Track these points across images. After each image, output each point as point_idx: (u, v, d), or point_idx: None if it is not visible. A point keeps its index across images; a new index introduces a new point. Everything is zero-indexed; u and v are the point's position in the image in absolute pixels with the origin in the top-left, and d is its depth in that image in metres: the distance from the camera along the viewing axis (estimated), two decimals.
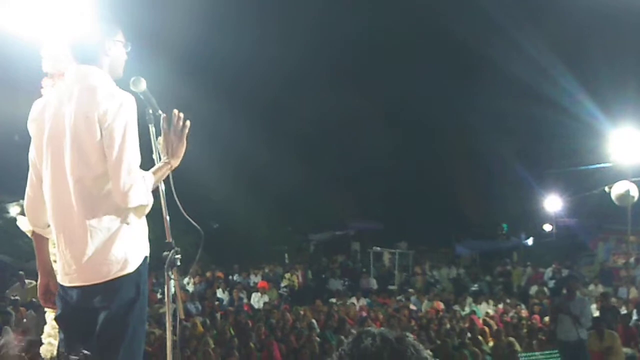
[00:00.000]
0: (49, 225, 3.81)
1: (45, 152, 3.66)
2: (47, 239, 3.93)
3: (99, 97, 3.54)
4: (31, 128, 3.77)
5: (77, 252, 3.59)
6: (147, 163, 3.79)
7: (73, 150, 3.54)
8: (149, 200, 3.64)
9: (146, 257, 3.75)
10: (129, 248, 3.62)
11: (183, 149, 3.89)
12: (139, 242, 3.71)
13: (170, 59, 22.09)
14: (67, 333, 3.79)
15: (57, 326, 4.03)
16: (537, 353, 11.79)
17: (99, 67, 3.72)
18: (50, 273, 3.91)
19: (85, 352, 3.60)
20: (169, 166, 3.84)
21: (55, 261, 3.84)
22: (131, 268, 3.62)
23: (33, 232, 3.95)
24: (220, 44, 28.06)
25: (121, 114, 3.51)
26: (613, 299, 19.50)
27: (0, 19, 5.11)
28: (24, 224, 4.00)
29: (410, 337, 2.07)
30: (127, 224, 3.62)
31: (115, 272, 3.57)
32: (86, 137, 3.51)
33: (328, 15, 33.20)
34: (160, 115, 3.86)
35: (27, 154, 3.80)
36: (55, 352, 4.21)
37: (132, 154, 3.53)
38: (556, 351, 11.30)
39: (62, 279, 3.72)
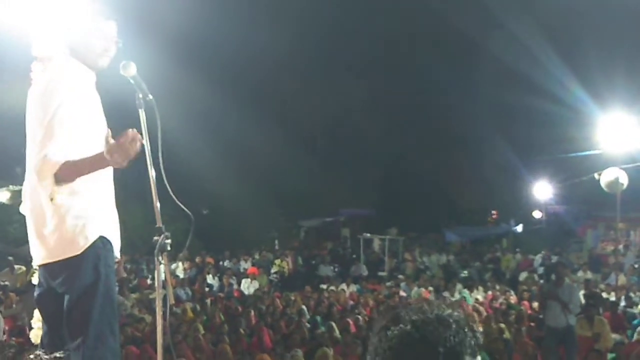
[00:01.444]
0: None
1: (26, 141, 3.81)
2: None
3: (45, 81, 3.69)
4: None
5: (37, 232, 3.72)
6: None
7: (33, 135, 3.69)
8: (45, 175, 3.56)
9: (102, 238, 3.75)
10: (77, 229, 3.66)
11: (120, 161, 3.56)
12: (90, 223, 3.71)
13: (161, 44, 21.96)
14: (44, 314, 3.92)
15: None
16: None
17: (73, 54, 3.82)
18: None
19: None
20: (103, 163, 3.60)
21: None
22: (80, 248, 3.65)
23: None
24: (211, 27, 27.94)
25: (54, 94, 3.61)
26: (602, 286, 19.61)
27: None
28: (23, 209, 4.04)
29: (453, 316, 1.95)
30: (77, 205, 3.66)
31: (65, 252, 3.64)
32: (35, 121, 3.67)
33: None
34: (150, 100, 3.84)
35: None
36: None
37: (60, 125, 3.57)
38: None
39: (34, 260, 3.86)
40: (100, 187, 3.82)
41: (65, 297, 3.68)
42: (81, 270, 3.65)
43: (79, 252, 3.64)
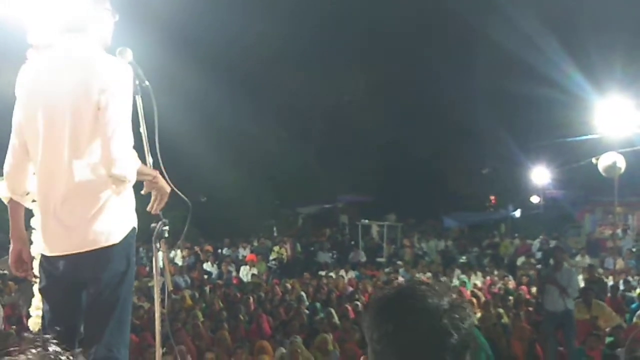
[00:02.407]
0: (27, 193, 3.79)
1: (38, 119, 3.59)
2: (23, 207, 3.91)
3: (99, 68, 3.52)
4: (20, 94, 3.70)
5: (65, 220, 3.57)
6: (133, 135, 3.77)
7: (71, 119, 3.50)
8: (133, 178, 3.59)
9: (134, 228, 3.73)
10: (117, 218, 3.62)
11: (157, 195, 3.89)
12: (127, 213, 3.70)
13: (158, 31, 21.91)
14: (52, 305, 3.77)
15: None
16: None
17: (88, 36, 3.66)
18: (25, 241, 3.92)
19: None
20: (153, 177, 3.81)
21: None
22: (118, 238, 3.60)
23: (10, 200, 3.92)
24: (207, 15, 27.86)
25: (121, 85, 3.52)
26: (600, 270, 19.65)
27: None
28: (1, 191, 3.96)
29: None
30: (117, 194, 3.60)
31: (102, 241, 3.56)
32: (85, 107, 3.47)
33: None
34: (147, 86, 3.82)
35: (10, 130, 3.74)
36: None
37: (127, 127, 3.53)
38: None
39: (46, 249, 3.69)
40: None
41: (92, 284, 3.63)
42: (114, 258, 3.61)
43: (117, 242, 3.60)
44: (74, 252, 3.59)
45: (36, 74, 3.68)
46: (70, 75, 3.53)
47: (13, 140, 3.74)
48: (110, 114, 3.45)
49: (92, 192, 3.55)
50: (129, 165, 3.53)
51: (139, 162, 3.67)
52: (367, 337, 1.98)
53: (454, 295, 1.95)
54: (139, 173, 3.63)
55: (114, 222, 3.61)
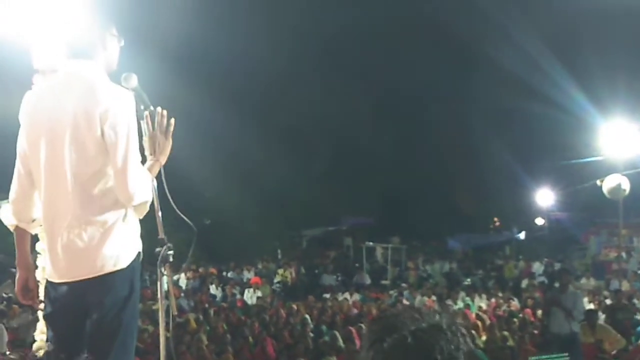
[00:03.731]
0: (33, 220, 3.80)
1: (40, 146, 3.59)
2: (29, 233, 3.90)
3: (99, 94, 3.51)
4: (23, 120, 3.70)
5: (71, 246, 3.56)
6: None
7: (72, 146, 3.50)
8: (150, 196, 3.67)
9: (139, 253, 3.73)
10: (122, 243, 3.61)
11: (169, 147, 3.92)
12: (132, 238, 3.70)
13: (160, 55, 22.00)
14: (57, 331, 3.74)
15: None
16: (544, 356, 11.64)
17: (94, 61, 3.67)
18: (30, 269, 3.90)
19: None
20: (159, 164, 3.84)
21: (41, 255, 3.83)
22: (124, 263, 3.59)
23: (16, 227, 3.89)
24: (211, 39, 28.00)
25: (124, 113, 3.52)
26: (605, 292, 19.54)
27: None
28: (7, 218, 3.95)
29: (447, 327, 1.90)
30: (122, 219, 3.60)
31: (108, 267, 3.55)
32: (86, 134, 3.47)
33: (323, 9, 33.18)
34: (152, 111, 3.83)
35: (14, 151, 3.74)
36: None
37: (136, 154, 3.56)
38: (565, 354, 11.25)
39: (52, 275, 3.68)
40: None
41: (95, 309, 3.59)
42: (118, 283, 3.60)
43: (124, 267, 3.60)
44: (81, 278, 3.58)
45: (38, 101, 3.68)
46: (71, 101, 3.52)
47: (18, 168, 3.73)
48: (117, 145, 3.47)
49: (98, 218, 3.54)
50: (146, 191, 3.60)
51: (149, 175, 3.71)
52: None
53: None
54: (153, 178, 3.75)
55: (121, 247, 3.60)
